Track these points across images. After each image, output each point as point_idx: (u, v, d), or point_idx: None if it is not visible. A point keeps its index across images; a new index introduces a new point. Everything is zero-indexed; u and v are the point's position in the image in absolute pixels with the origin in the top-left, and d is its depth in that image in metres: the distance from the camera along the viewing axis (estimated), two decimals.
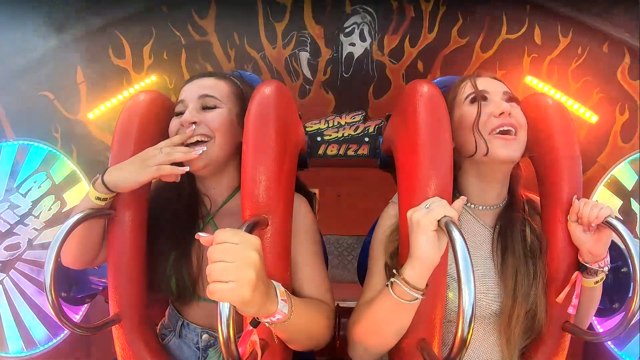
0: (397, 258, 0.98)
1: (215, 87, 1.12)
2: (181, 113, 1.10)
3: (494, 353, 1.04)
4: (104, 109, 2.37)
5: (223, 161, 1.10)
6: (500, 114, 1.00)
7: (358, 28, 2.36)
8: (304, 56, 2.41)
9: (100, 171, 1.01)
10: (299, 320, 0.85)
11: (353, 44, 2.38)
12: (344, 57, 2.40)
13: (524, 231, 1.05)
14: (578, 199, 1.01)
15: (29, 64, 2.24)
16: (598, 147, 2.21)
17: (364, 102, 2.42)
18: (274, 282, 0.82)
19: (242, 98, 1.14)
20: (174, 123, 1.10)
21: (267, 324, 0.81)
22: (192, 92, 1.11)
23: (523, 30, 2.25)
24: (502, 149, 0.99)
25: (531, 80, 2.26)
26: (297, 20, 2.36)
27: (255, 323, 0.80)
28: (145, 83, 2.37)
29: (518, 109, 1.05)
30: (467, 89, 1.07)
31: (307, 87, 2.44)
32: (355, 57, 2.39)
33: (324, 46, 2.40)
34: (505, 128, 1.00)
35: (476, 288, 0.97)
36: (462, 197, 0.91)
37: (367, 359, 1.00)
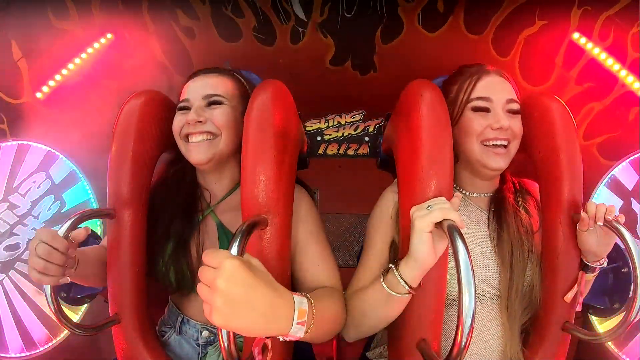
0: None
1: (221, 85, 1.12)
2: (185, 108, 1.10)
3: (496, 331, 1.06)
4: (54, 85, 1.95)
5: (226, 156, 1.11)
6: (498, 128, 1.03)
7: None
8: None
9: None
10: (317, 330, 0.78)
11: None
12: None
13: (517, 210, 1.09)
14: (578, 198, 1.02)
15: None
16: None
17: (370, 47, 1.96)
18: (296, 298, 0.71)
19: (247, 95, 1.15)
20: (179, 119, 1.10)
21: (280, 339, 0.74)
22: (197, 91, 1.11)
23: None
24: (491, 161, 1.05)
25: (579, 38, 1.81)
26: None
27: (264, 348, 0.73)
28: (101, 44, 1.95)
29: (517, 120, 1.07)
30: (471, 91, 1.07)
31: (301, 30, 1.97)
32: None
33: None
34: (499, 142, 1.04)
35: (477, 267, 1.04)
36: (457, 194, 0.95)
37: (356, 337, 1.02)
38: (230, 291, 0.62)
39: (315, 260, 1.04)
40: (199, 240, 1.11)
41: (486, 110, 1.06)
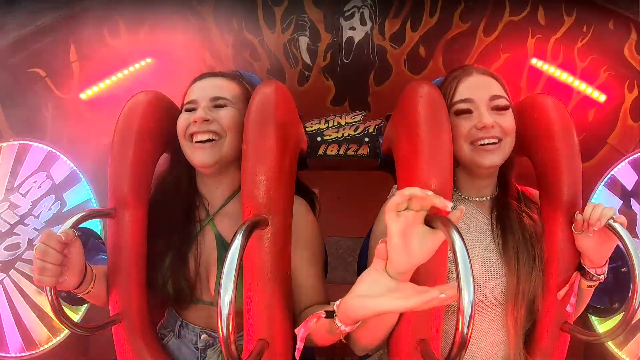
0: None
1: (227, 89, 1.12)
2: (192, 109, 1.10)
3: (500, 337, 1.06)
4: (97, 90, 2.27)
5: (230, 160, 1.10)
6: (482, 127, 1.01)
7: (358, 12, 2.29)
8: (304, 41, 2.32)
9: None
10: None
11: (353, 28, 2.29)
12: (344, 41, 2.32)
13: (520, 216, 1.08)
14: (577, 199, 1.01)
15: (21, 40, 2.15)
16: (608, 127, 2.12)
17: (365, 89, 2.34)
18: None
19: (249, 98, 1.15)
20: (184, 118, 1.09)
21: (336, 324, 0.77)
22: (204, 91, 1.11)
23: (526, 11, 2.17)
24: (484, 159, 1.02)
25: (536, 62, 2.19)
26: (297, 4, 2.29)
27: (331, 315, 0.78)
28: (140, 65, 2.29)
29: (505, 116, 1.04)
30: (453, 95, 1.06)
31: (307, 73, 2.34)
32: (356, 41, 2.30)
33: (323, 30, 2.32)
34: (487, 141, 1.02)
35: (481, 274, 1.02)
36: (460, 207, 0.82)
37: (368, 351, 1.01)
38: None
39: (306, 283, 1.04)
40: (197, 251, 1.10)
41: (468, 112, 1.04)
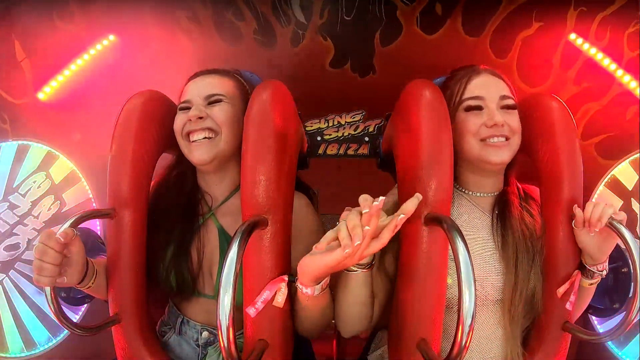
0: (395, 242, 0.99)
1: (221, 85, 1.13)
2: (186, 108, 1.10)
3: (497, 335, 1.06)
4: (56, 85, 1.95)
5: (228, 156, 1.11)
6: (493, 125, 1.02)
7: None
8: None
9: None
10: (315, 306, 0.92)
11: None
12: None
13: (521, 213, 1.08)
14: (578, 198, 1.01)
15: None
16: None
17: (369, 50, 1.97)
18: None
19: (246, 96, 1.15)
20: (180, 118, 1.10)
21: (299, 288, 0.86)
22: (198, 91, 1.11)
23: None
24: (493, 156, 1.03)
25: (575, 39, 1.82)
26: None
27: (292, 279, 0.89)
28: (103, 45, 1.96)
29: (513, 115, 1.06)
30: (463, 92, 1.07)
31: (301, 32, 1.97)
32: None
33: None
34: (496, 139, 1.03)
35: (479, 271, 1.03)
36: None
37: (350, 331, 1.03)
38: None
39: None
40: (200, 244, 1.11)
41: (479, 108, 1.05)
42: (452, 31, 1.89)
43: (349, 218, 0.75)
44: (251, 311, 0.90)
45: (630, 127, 1.81)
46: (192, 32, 1.97)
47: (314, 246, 0.79)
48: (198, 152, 1.07)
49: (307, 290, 0.84)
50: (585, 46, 1.84)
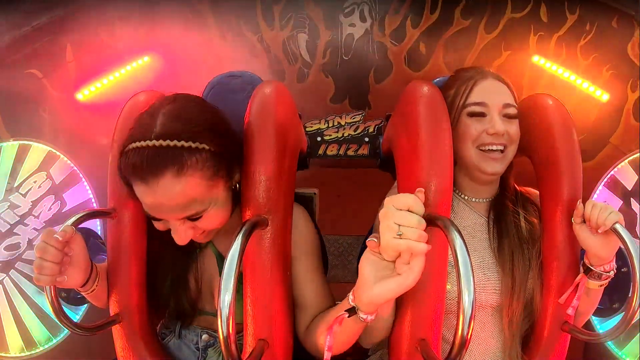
0: None
1: (189, 201, 0.85)
2: (161, 220, 0.90)
3: (496, 339, 1.06)
4: (94, 90, 2.24)
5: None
6: (494, 134, 1.03)
7: (358, 8, 2.29)
8: (303, 38, 2.31)
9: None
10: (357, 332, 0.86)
11: (353, 25, 2.28)
12: (344, 38, 2.30)
13: (516, 218, 1.08)
14: (577, 198, 1.01)
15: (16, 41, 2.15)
16: (610, 127, 2.11)
17: (365, 86, 2.32)
18: None
19: (218, 159, 0.88)
20: (159, 225, 0.92)
21: (362, 318, 0.79)
22: (164, 214, 0.87)
23: (528, 8, 2.17)
24: (487, 166, 1.04)
25: (538, 60, 2.17)
26: (296, 1, 2.28)
27: (353, 311, 0.80)
28: (138, 64, 2.27)
29: (514, 124, 1.07)
30: (467, 95, 1.07)
31: (306, 70, 2.33)
32: (356, 38, 2.29)
33: (323, 27, 2.30)
34: (495, 147, 1.04)
35: (476, 276, 1.02)
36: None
37: (372, 342, 1.01)
38: None
39: (315, 290, 1.02)
40: (197, 273, 1.09)
41: (482, 115, 1.05)
42: (436, 67, 2.23)
43: (411, 221, 0.70)
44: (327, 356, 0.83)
45: (596, 127, 2.07)
46: (212, 68, 2.24)
47: (368, 274, 0.74)
48: (198, 240, 0.98)
49: (372, 317, 0.79)
50: (547, 64, 2.17)
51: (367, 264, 0.75)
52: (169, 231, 0.93)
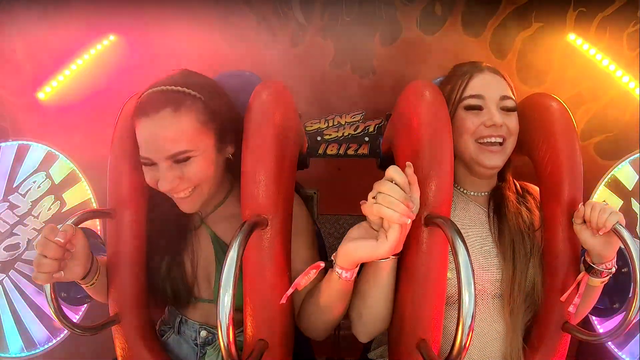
0: None
1: (181, 134, 0.93)
2: (152, 165, 0.96)
3: (498, 329, 1.06)
4: (57, 85, 1.97)
5: (214, 192, 1.06)
6: (492, 125, 1.03)
7: None
8: None
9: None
10: (340, 290, 0.89)
11: None
12: None
13: (517, 207, 1.09)
14: (578, 198, 1.01)
15: None
16: None
17: (369, 51, 1.97)
18: None
19: (212, 114, 0.99)
20: (149, 175, 0.98)
21: (337, 272, 0.85)
22: (156, 149, 0.94)
23: None
24: (486, 159, 1.04)
25: (575, 39, 1.84)
26: None
27: (330, 264, 0.87)
28: (103, 45, 1.98)
29: (512, 116, 1.07)
30: (464, 89, 1.07)
31: (301, 32, 1.98)
32: None
33: None
34: (493, 140, 1.04)
35: (477, 263, 1.03)
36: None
37: (369, 332, 1.01)
38: None
39: (306, 266, 1.02)
40: (193, 254, 1.10)
41: (479, 108, 1.05)
42: (452, 31, 1.90)
43: (390, 190, 0.76)
44: (283, 300, 0.89)
45: (628, 128, 1.82)
46: (192, 31, 1.98)
47: (353, 234, 0.82)
48: (185, 206, 1.01)
49: (347, 275, 0.84)
50: (585, 47, 1.85)
51: (357, 228, 0.84)
52: (165, 217, 1.06)
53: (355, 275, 0.86)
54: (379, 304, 0.95)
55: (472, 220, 1.10)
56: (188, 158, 0.95)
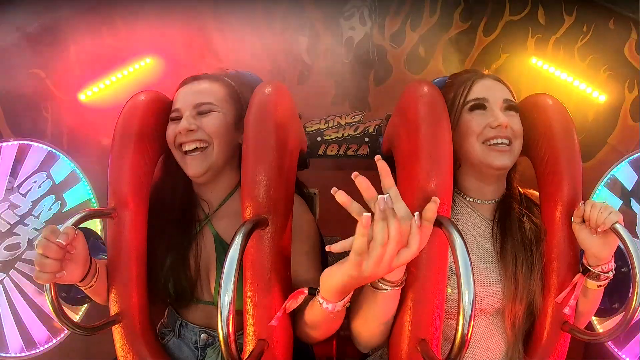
0: None
1: (210, 92, 1.11)
2: (176, 118, 1.10)
3: (498, 341, 1.06)
4: (97, 90, 2.26)
5: (221, 165, 1.10)
6: (497, 126, 1.02)
7: (358, 11, 2.31)
8: (303, 41, 2.33)
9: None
10: (330, 324, 0.89)
11: (353, 28, 2.31)
12: (344, 41, 2.33)
13: (521, 220, 1.07)
14: (578, 199, 1.01)
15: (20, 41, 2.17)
16: (607, 127, 2.13)
17: (364, 88, 2.33)
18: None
19: (239, 100, 1.14)
20: (171, 128, 1.10)
21: (319, 300, 0.79)
22: (186, 100, 1.10)
23: (526, 10, 2.20)
24: (495, 159, 1.03)
25: (536, 62, 2.20)
26: (297, 3, 2.30)
27: (312, 292, 0.84)
28: (140, 65, 2.28)
29: (516, 118, 1.07)
30: (467, 94, 1.07)
31: (306, 73, 2.34)
32: (356, 41, 2.32)
33: (323, 30, 2.33)
34: (500, 140, 1.03)
35: (478, 280, 1.02)
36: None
37: (370, 347, 1.00)
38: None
39: (309, 275, 1.03)
40: (197, 252, 1.10)
41: (483, 107, 1.05)
42: (435, 69, 2.24)
43: (376, 222, 0.66)
44: (274, 322, 0.88)
45: (593, 128, 2.10)
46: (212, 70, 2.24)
47: (327, 247, 0.71)
48: (191, 165, 1.07)
49: (328, 306, 0.78)
50: (545, 66, 2.19)
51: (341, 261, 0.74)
52: (169, 213, 1.11)
53: (340, 308, 0.79)
54: (381, 327, 0.93)
55: (475, 232, 1.09)
56: (210, 111, 1.09)
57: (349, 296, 0.80)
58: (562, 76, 2.15)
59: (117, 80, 2.24)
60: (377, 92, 2.32)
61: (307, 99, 2.15)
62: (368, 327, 0.94)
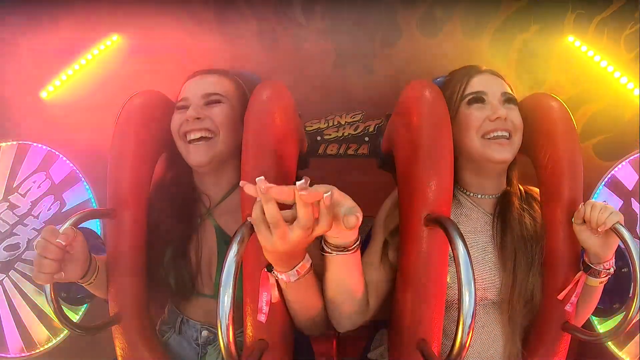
0: (397, 236, 1.00)
1: (219, 85, 1.12)
2: (184, 107, 1.10)
3: (497, 335, 1.06)
4: (59, 84, 1.98)
5: (225, 157, 1.11)
6: (496, 119, 1.02)
7: None
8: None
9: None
10: (300, 296, 0.90)
11: None
12: None
13: (521, 215, 1.08)
14: (578, 199, 1.01)
15: None
16: None
17: (369, 52, 1.97)
18: (307, 259, 0.83)
19: (244, 96, 1.15)
20: (177, 117, 1.10)
21: (276, 276, 0.84)
22: (195, 90, 1.10)
23: None
24: (495, 153, 1.02)
25: (573, 41, 1.84)
26: None
27: (270, 268, 0.85)
28: (106, 46, 1.98)
29: (515, 111, 1.06)
30: (465, 88, 1.07)
31: (302, 34, 1.97)
32: None
33: None
34: (500, 133, 1.02)
35: (476, 272, 1.02)
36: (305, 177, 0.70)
37: (340, 325, 0.99)
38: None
39: None
40: (198, 245, 1.11)
41: (482, 101, 1.05)
42: (451, 34, 1.91)
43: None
44: (262, 318, 0.87)
45: (627, 128, 1.82)
46: (194, 32, 1.98)
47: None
48: (195, 154, 1.07)
49: (282, 277, 0.82)
50: (583, 48, 1.86)
51: None
52: (171, 207, 1.11)
53: (293, 277, 0.81)
54: (340, 297, 0.91)
55: (475, 226, 1.09)
56: (218, 102, 1.10)
57: (302, 264, 0.81)
58: (602, 64, 1.83)
59: (81, 67, 1.98)
60: (384, 55, 1.96)
61: (303, 65, 1.87)
62: (328, 297, 0.92)
